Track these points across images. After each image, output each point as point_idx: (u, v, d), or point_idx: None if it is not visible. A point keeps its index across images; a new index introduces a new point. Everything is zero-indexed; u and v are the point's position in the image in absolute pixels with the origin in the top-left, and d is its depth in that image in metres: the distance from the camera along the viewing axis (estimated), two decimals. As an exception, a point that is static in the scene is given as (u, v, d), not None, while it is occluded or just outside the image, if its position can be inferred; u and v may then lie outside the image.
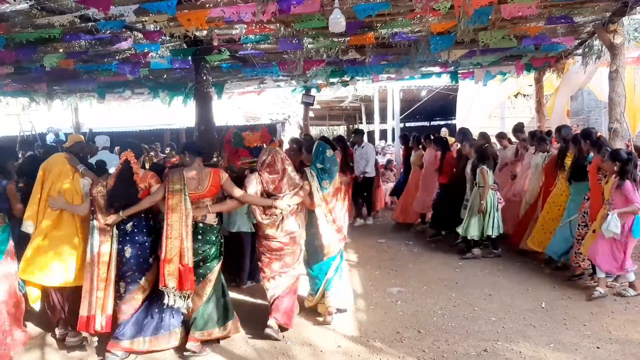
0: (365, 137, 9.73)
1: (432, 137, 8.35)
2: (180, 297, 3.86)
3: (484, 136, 7.70)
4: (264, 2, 4.55)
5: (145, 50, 6.81)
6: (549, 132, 7.47)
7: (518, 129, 7.75)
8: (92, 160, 6.53)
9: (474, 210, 6.43)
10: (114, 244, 4.02)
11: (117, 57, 7.27)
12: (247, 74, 8.66)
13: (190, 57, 6.84)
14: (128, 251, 4.01)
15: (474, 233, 6.42)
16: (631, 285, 4.96)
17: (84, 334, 4.16)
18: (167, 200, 3.90)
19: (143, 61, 7.34)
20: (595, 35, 6.57)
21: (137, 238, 4.04)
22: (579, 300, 4.89)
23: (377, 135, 17.03)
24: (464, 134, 7.45)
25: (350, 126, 23.12)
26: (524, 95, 13.95)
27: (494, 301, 4.95)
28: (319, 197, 4.41)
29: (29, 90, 9.59)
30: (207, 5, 4.91)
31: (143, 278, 4.04)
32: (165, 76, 9.09)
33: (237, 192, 4.14)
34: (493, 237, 6.46)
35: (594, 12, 5.96)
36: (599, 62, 7.60)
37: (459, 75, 9.94)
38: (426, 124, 23.30)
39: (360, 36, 6.31)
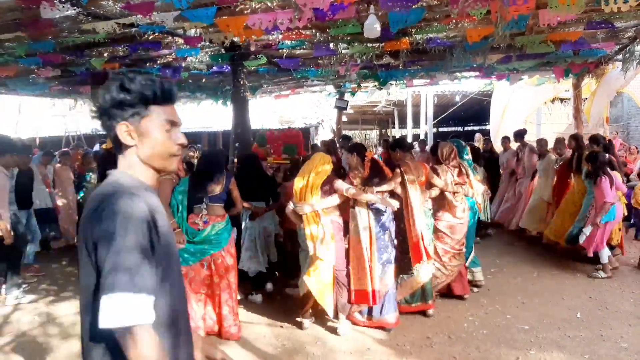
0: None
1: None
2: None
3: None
4: (300, 10, 4.63)
5: (186, 56, 7.01)
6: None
7: (519, 134, 8.67)
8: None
9: None
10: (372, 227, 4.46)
11: (158, 62, 7.52)
12: (283, 76, 8.80)
13: (228, 62, 7.02)
14: (387, 234, 4.55)
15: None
16: (603, 268, 5.80)
17: None
18: (408, 190, 4.55)
19: (183, 65, 7.57)
20: (637, 40, 6.41)
21: (389, 223, 4.58)
22: (616, 311, 4.78)
23: (409, 140, 16.91)
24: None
25: (383, 130, 23.06)
26: (561, 101, 13.64)
27: (527, 309, 4.89)
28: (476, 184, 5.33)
29: (75, 93, 10.00)
30: (245, 12, 5.05)
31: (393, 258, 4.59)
32: (204, 80, 9.34)
33: (439, 181, 4.94)
34: (487, 221, 7.55)
35: (636, 16, 5.80)
36: (639, 68, 7.42)
37: (493, 77, 9.82)
38: (459, 129, 23.00)
39: (395, 42, 6.35)
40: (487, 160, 8.86)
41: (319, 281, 4.23)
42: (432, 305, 4.79)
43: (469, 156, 5.56)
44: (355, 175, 4.54)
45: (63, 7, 4.68)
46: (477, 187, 5.40)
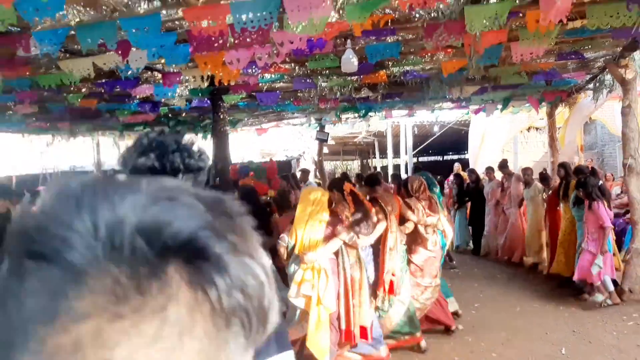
0: (311, 176, 10.63)
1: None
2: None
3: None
4: (280, 45, 4.64)
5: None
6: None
7: (503, 165, 9.04)
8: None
9: None
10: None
11: (137, 97, 7.49)
12: (264, 109, 8.86)
13: (208, 96, 7.03)
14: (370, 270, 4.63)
15: None
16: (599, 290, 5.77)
17: None
18: (388, 221, 4.63)
19: (162, 100, 7.55)
20: (606, 70, 6.62)
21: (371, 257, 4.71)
22: (600, 345, 4.75)
23: (389, 170, 17.05)
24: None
25: (365, 161, 23.22)
26: (537, 129, 13.93)
27: (512, 346, 4.82)
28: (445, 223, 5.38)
29: (53, 129, 9.89)
30: (223, 48, 5.06)
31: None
32: (184, 114, 9.33)
33: (412, 215, 5.01)
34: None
35: (605, 47, 6.00)
36: (609, 96, 7.66)
37: (470, 112, 10.05)
38: (439, 158, 23.31)
39: (373, 75, 6.44)
40: (474, 191, 9.10)
41: (319, 328, 4.08)
42: (421, 338, 4.76)
43: (437, 189, 5.68)
44: (342, 211, 4.51)
45: (41, 47, 4.65)
46: (447, 229, 5.43)
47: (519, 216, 8.32)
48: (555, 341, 4.89)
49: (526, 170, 8.09)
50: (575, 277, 5.89)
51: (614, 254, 6.14)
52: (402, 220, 5.03)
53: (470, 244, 9.50)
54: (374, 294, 4.64)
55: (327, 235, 4.21)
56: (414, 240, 5.12)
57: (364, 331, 4.30)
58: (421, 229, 5.09)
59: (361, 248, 4.50)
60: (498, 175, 9.15)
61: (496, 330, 5.26)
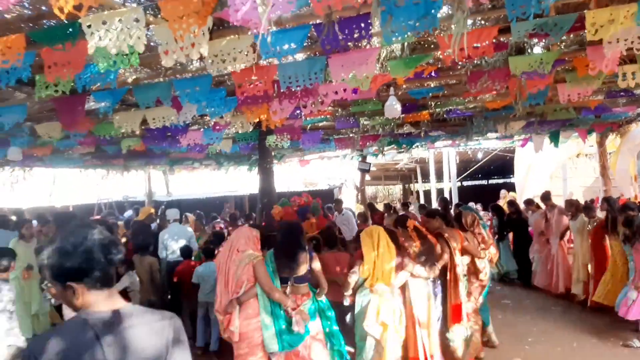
0: (353, 202, 10.73)
1: None
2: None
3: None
4: (325, 96, 4.75)
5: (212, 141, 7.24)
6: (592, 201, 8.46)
7: (546, 196, 8.66)
8: (167, 235, 7.03)
9: None
10: None
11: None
12: (306, 149, 9.03)
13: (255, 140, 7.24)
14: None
15: None
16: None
17: None
18: (454, 256, 4.84)
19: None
20: (660, 104, 6.41)
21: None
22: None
23: (433, 196, 16.86)
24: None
25: (406, 186, 23.06)
26: (586, 155, 13.49)
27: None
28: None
29: (107, 165, 10.41)
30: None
31: None
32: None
33: (474, 249, 5.23)
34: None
35: (656, 84, 5.81)
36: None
37: (515, 142, 9.87)
38: (484, 182, 22.85)
39: (416, 114, 6.48)
40: (515, 222, 8.90)
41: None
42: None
43: (482, 221, 5.79)
44: (409, 245, 4.72)
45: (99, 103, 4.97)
46: (494, 255, 5.67)
47: (560, 248, 8.01)
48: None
49: (571, 202, 7.81)
50: (621, 314, 5.70)
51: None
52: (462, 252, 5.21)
53: (516, 274, 9.21)
54: (444, 324, 4.84)
55: (396, 268, 4.43)
56: (467, 270, 5.28)
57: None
58: (477, 261, 5.26)
59: (428, 280, 4.68)
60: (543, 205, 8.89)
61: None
